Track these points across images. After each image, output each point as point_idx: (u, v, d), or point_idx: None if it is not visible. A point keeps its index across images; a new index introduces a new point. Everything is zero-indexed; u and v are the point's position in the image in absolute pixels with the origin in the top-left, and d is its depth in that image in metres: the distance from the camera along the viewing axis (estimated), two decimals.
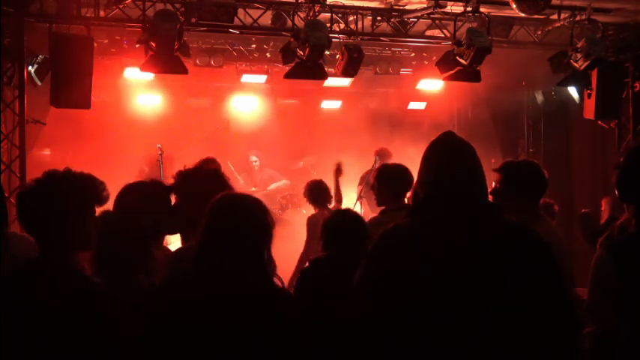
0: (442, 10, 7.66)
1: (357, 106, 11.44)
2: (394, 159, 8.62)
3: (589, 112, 8.81)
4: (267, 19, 7.92)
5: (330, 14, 7.67)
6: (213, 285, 2.50)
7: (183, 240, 3.36)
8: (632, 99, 8.85)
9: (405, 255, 2.36)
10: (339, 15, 8.08)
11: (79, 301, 2.62)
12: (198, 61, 9.05)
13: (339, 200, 7.15)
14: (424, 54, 10.03)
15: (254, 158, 10.47)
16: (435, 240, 2.37)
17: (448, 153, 2.51)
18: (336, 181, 7.16)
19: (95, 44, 7.70)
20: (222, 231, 2.56)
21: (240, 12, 7.59)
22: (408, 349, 2.31)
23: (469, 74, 7.97)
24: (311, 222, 6.54)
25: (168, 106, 10.66)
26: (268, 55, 9.57)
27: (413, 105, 11.81)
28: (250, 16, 7.78)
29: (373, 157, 9.16)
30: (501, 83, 9.59)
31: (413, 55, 10.17)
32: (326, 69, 8.02)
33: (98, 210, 2.99)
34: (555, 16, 8.19)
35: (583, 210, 6.77)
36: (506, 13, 7.94)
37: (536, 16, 7.80)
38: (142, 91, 10.33)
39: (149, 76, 8.84)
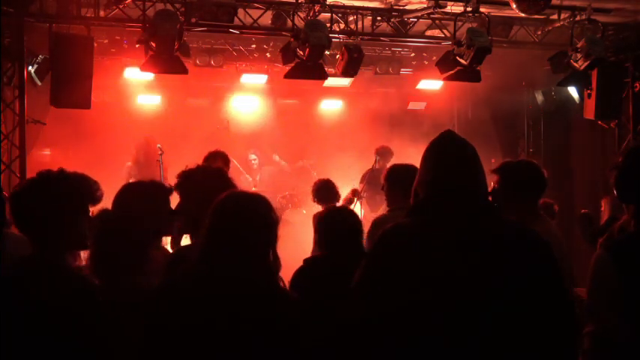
0: (442, 10, 7.66)
1: (357, 106, 11.43)
2: (394, 159, 8.64)
3: (589, 112, 8.81)
4: (267, 19, 7.93)
5: (330, 14, 7.68)
6: (217, 285, 2.48)
7: (192, 240, 3.35)
8: (632, 99, 8.86)
9: (404, 255, 2.35)
10: (339, 15, 8.09)
11: (79, 301, 2.62)
12: (198, 61, 9.05)
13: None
14: (424, 54, 10.04)
15: (253, 157, 10.46)
16: (435, 240, 2.37)
17: (448, 152, 2.50)
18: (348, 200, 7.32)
19: (95, 44, 7.70)
20: (226, 231, 2.53)
21: (240, 12, 7.59)
22: (408, 349, 2.30)
23: (469, 74, 7.97)
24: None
25: (168, 106, 10.65)
26: (268, 55, 9.57)
27: (413, 105, 11.81)
28: (250, 16, 7.78)
29: (373, 155, 9.16)
30: (501, 83, 9.60)
31: (413, 55, 10.17)
32: (326, 69, 8.02)
33: (97, 208, 3.00)
34: (555, 16, 8.20)
35: (583, 210, 6.77)
36: (506, 13, 7.94)
37: (536, 16, 7.80)
38: (142, 91, 10.33)
39: (149, 76, 8.84)
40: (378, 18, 8.29)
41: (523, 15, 7.49)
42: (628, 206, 2.78)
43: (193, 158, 6.01)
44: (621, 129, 9.05)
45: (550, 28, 8.40)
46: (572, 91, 9.18)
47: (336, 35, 7.94)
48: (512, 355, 2.29)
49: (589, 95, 8.72)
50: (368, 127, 10.61)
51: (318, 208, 6.93)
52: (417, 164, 2.59)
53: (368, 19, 8.28)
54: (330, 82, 9.44)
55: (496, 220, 2.46)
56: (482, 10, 7.57)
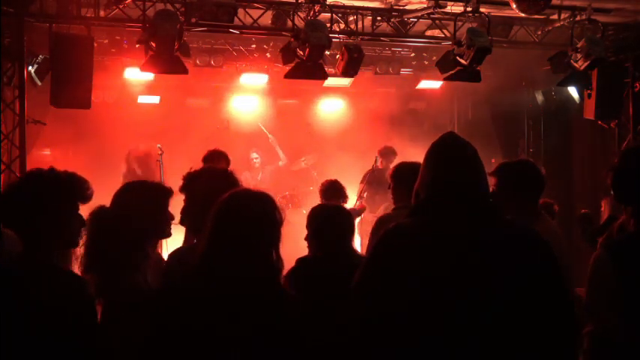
0: (442, 10, 7.66)
1: (357, 106, 11.44)
2: (396, 160, 8.63)
3: (589, 112, 8.82)
4: (267, 19, 7.93)
5: (330, 14, 7.68)
6: (219, 285, 2.47)
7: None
8: (632, 99, 8.86)
9: (405, 255, 2.36)
10: (339, 15, 8.08)
11: (76, 301, 2.63)
12: (198, 61, 9.05)
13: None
14: (424, 54, 10.04)
15: (254, 155, 10.46)
16: (436, 240, 2.37)
17: (450, 153, 2.51)
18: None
19: (95, 44, 7.70)
20: (230, 230, 2.51)
21: (240, 12, 7.59)
22: (408, 349, 2.31)
23: (469, 74, 7.97)
24: None
25: (168, 106, 10.65)
26: (268, 55, 9.57)
27: (413, 105, 11.81)
28: (250, 16, 7.78)
29: (375, 155, 9.14)
30: (501, 83, 9.60)
31: (413, 55, 10.17)
32: (326, 69, 8.02)
33: (95, 206, 3.00)
34: (555, 16, 8.20)
35: (583, 210, 6.77)
36: (506, 13, 7.94)
37: (536, 16, 7.80)
38: (142, 91, 10.33)
39: (149, 76, 8.84)
40: (378, 18, 8.29)
41: (523, 15, 7.49)
42: (626, 207, 2.77)
43: (193, 158, 6.03)
44: (621, 129, 9.05)
45: (550, 28, 8.40)
46: (572, 91, 9.18)
47: (336, 35, 7.94)
48: (513, 355, 2.29)
49: (589, 95, 8.72)
50: (368, 127, 10.62)
51: None
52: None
53: (368, 19, 8.28)
54: (330, 82, 9.44)
55: (497, 220, 2.46)
56: (482, 10, 7.57)
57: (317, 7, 7.58)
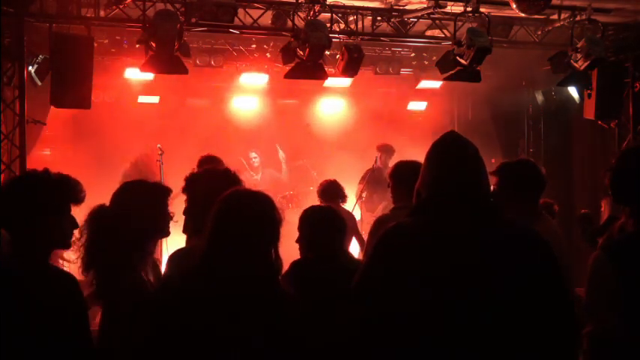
0: (442, 10, 7.66)
1: (357, 106, 11.43)
2: (394, 159, 8.62)
3: (589, 112, 8.82)
4: (267, 19, 7.93)
5: (330, 14, 7.68)
6: (220, 285, 2.47)
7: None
8: (632, 99, 8.86)
9: (405, 254, 2.35)
10: (339, 15, 8.08)
11: (74, 301, 2.63)
12: (198, 61, 9.04)
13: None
14: (424, 54, 10.04)
15: (253, 155, 10.45)
16: (436, 240, 2.37)
17: (451, 153, 2.51)
18: None
19: (95, 44, 7.70)
20: (230, 229, 2.51)
21: (240, 12, 7.59)
22: (408, 349, 2.31)
23: (469, 74, 7.97)
24: None
25: (168, 106, 10.65)
26: (268, 55, 9.57)
27: (413, 105, 11.81)
28: (250, 16, 7.78)
29: (375, 152, 9.14)
30: (501, 83, 9.59)
31: (413, 55, 10.17)
32: (326, 69, 8.02)
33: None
34: (555, 16, 8.20)
35: (583, 210, 6.78)
36: (506, 13, 7.94)
37: (536, 16, 7.80)
38: (142, 91, 10.33)
39: (149, 76, 8.84)
40: (378, 18, 8.29)
41: (523, 15, 7.49)
42: (624, 207, 2.77)
43: (193, 158, 6.02)
44: (621, 129, 9.05)
45: (550, 28, 8.40)
46: (572, 91, 9.18)
47: (336, 35, 7.94)
48: (513, 355, 2.29)
49: (589, 95, 8.72)
50: (368, 127, 10.62)
51: None
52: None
53: (368, 19, 8.28)
54: (330, 82, 9.44)
55: (497, 220, 2.46)
56: (482, 10, 7.57)
57: (317, 7, 7.58)
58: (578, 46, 7.97)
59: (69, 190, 2.75)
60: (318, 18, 7.64)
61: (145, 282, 3.03)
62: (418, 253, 2.34)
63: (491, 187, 3.73)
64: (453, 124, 11.36)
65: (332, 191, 6.85)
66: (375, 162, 9.06)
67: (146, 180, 3.42)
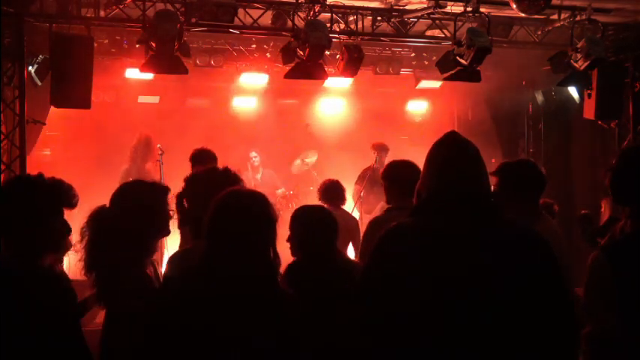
0: (442, 10, 7.66)
1: (357, 106, 11.43)
2: (389, 157, 8.61)
3: (589, 112, 8.81)
4: (267, 19, 7.93)
5: (330, 14, 7.67)
6: (220, 285, 2.47)
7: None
8: (632, 99, 8.86)
9: (406, 254, 2.36)
10: (339, 15, 8.08)
11: (71, 302, 2.64)
12: (198, 61, 9.05)
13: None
14: (424, 54, 10.04)
15: (253, 154, 10.45)
16: (437, 240, 2.37)
17: (452, 153, 2.51)
18: None
19: (95, 44, 7.70)
20: (228, 228, 2.52)
21: (240, 12, 7.59)
22: (408, 349, 2.31)
23: (469, 74, 7.97)
24: None
25: (168, 106, 10.65)
26: (268, 55, 9.57)
27: (413, 105, 11.81)
28: (250, 16, 7.78)
29: (372, 152, 9.11)
30: (501, 83, 9.59)
31: (413, 55, 10.17)
32: (326, 69, 8.01)
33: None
34: (555, 16, 8.20)
35: (583, 211, 6.77)
36: (506, 13, 7.94)
37: (536, 16, 7.80)
38: (142, 91, 10.32)
39: (149, 76, 8.83)
40: (378, 18, 8.29)
41: (523, 15, 7.49)
42: (624, 208, 2.77)
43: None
44: (621, 129, 9.05)
45: (550, 28, 8.40)
46: (572, 91, 9.17)
47: (336, 35, 7.94)
48: (513, 355, 2.29)
49: (589, 95, 8.72)
50: (368, 127, 10.61)
51: None
52: (418, 164, 2.59)
53: (368, 19, 8.28)
54: (330, 82, 9.44)
55: (497, 220, 2.46)
56: (482, 10, 7.57)
57: (317, 7, 7.58)
58: (578, 46, 7.97)
59: (62, 194, 2.77)
60: (318, 18, 7.64)
61: (146, 282, 3.03)
62: (418, 253, 2.34)
63: (492, 187, 3.74)
64: (453, 124, 11.35)
65: (333, 192, 6.82)
66: (376, 161, 9.05)
67: (144, 180, 3.43)
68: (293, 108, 11.64)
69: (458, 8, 7.70)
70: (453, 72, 8.00)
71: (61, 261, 3.17)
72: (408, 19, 8.22)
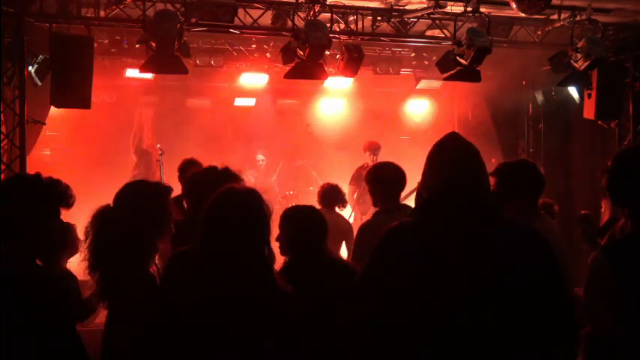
0: (442, 10, 7.66)
1: (357, 106, 11.44)
2: (394, 159, 8.58)
3: (589, 112, 8.81)
4: (267, 19, 7.92)
5: (330, 14, 7.67)
6: (220, 285, 2.47)
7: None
8: (632, 99, 8.86)
9: (406, 254, 2.36)
10: (339, 15, 8.08)
11: (70, 301, 2.64)
12: (198, 61, 9.05)
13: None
14: (424, 54, 10.03)
15: (261, 157, 10.44)
16: (437, 240, 2.37)
17: (452, 154, 2.51)
18: None
19: (95, 44, 7.70)
20: (225, 228, 2.53)
21: (240, 12, 7.59)
22: (409, 349, 2.31)
23: (469, 74, 7.97)
24: None
25: (168, 106, 10.65)
26: (268, 55, 9.57)
27: (413, 105, 11.81)
28: (250, 16, 7.78)
29: (367, 153, 9.06)
30: (501, 83, 9.59)
31: (413, 55, 10.17)
32: (326, 69, 8.01)
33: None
34: (555, 16, 8.20)
35: (582, 211, 6.77)
36: (507, 13, 7.94)
37: (536, 16, 7.80)
38: (142, 91, 10.32)
39: (149, 76, 8.83)
40: (378, 18, 8.29)
41: (523, 15, 7.48)
42: (622, 208, 2.76)
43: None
44: (621, 129, 9.04)
45: (550, 28, 8.40)
46: (572, 91, 9.17)
47: (336, 35, 7.94)
48: (513, 354, 2.29)
49: (589, 95, 8.71)
50: (368, 127, 10.61)
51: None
52: (417, 165, 2.59)
53: (368, 19, 8.28)
54: (330, 82, 9.43)
55: (498, 220, 2.46)
56: (482, 10, 7.56)
57: (317, 7, 7.58)
58: (578, 46, 7.97)
59: (59, 194, 2.78)
60: (318, 18, 7.64)
61: (149, 281, 3.03)
62: (419, 253, 2.35)
63: (492, 188, 3.74)
64: (452, 124, 11.36)
65: (331, 196, 6.82)
66: (372, 161, 9.03)
67: (146, 180, 3.43)
68: (293, 108, 11.65)
69: (458, 8, 7.69)
70: (453, 72, 8.00)
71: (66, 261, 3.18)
72: (408, 19, 8.22)
